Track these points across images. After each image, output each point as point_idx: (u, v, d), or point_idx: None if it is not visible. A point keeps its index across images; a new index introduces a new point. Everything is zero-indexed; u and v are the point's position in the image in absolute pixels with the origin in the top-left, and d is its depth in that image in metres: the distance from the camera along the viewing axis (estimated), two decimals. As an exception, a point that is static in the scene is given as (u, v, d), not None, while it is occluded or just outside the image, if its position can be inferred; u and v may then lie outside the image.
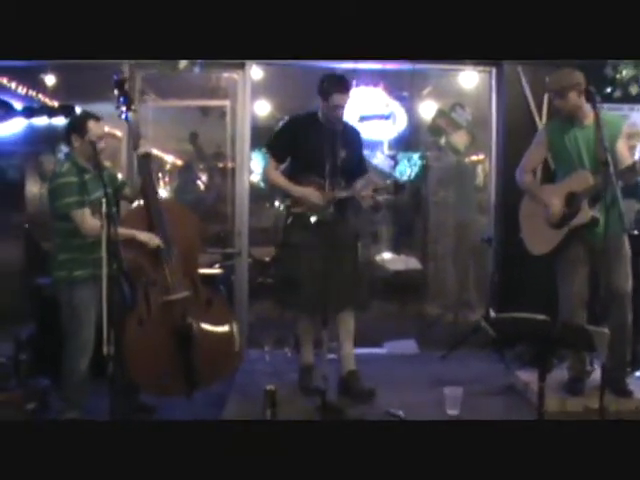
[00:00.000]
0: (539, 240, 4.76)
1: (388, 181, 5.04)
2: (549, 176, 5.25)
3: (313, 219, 4.70)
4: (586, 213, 4.48)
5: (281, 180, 4.97)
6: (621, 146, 4.58)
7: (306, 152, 4.79)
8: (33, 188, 6.89)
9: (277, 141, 5.08)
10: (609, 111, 5.66)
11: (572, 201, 4.55)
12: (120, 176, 4.96)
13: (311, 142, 4.78)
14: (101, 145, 4.29)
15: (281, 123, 5.28)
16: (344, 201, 4.84)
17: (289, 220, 4.96)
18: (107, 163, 4.58)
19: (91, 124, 4.28)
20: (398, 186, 4.81)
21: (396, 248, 7.84)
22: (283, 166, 5.05)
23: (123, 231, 4.13)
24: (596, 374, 4.65)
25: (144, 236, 4.31)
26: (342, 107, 4.80)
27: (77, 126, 4.35)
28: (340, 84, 4.76)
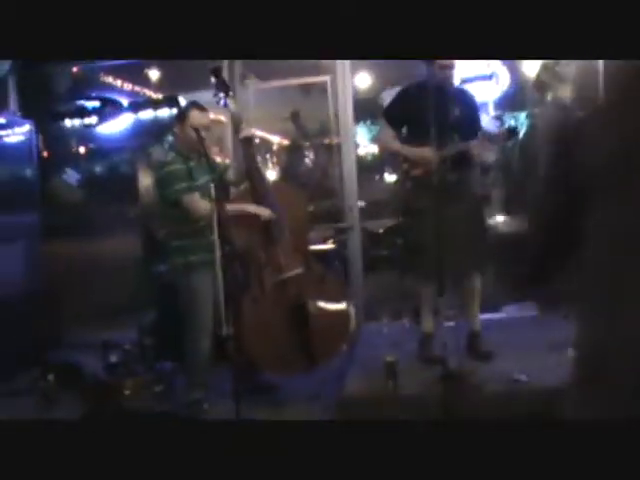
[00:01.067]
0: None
1: (500, 129, 4.96)
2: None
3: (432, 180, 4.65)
4: None
5: (395, 145, 4.95)
6: None
7: (418, 117, 4.74)
8: (145, 180, 7.08)
9: (392, 109, 5.05)
10: None
11: None
12: (227, 161, 5.04)
13: (423, 107, 4.72)
14: (203, 133, 4.37)
15: (395, 91, 5.25)
16: (461, 160, 4.78)
17: (408, 185, 4.93)
18: (214, 149, 4.65)
19: (194, 113, 4.38)
20: (511, 131, 4.72)
21: (507, 210, 7.68)
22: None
23: (235, 206, 4.24)
24: None
25: (257, 209, 4.38)
26: (448, 67, 4.75)
27: (179, 115, 4.46)
28: None
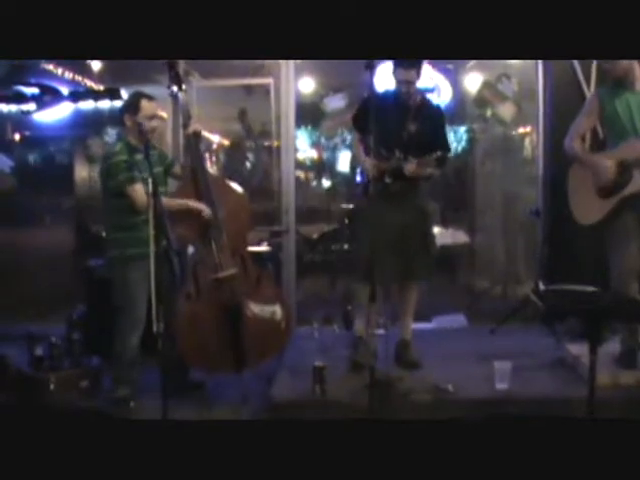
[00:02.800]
0: (588, 209, 4.68)
1: (433, 155, 5.01)
2: (598, 145, 5.17)
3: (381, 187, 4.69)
4: (638, 182, 4.40)
5: (357, 150, 5.03)
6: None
7: (378, 126, 4.80)
8: (82, 172, 6.98)
9: (358, 113, 5.07)
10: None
11: (623, 170, 4.47)
12: (169, 155, 5.01)
13: (383, 116, 4.78)
14: (152, 124, 4.39)
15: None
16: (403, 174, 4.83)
17: (361, 190, 4.97)
18: (155, 141, 4.63)
19: (143, 103, 4.37)
20: (440, 159, 4.77)
21: (444, 222, 7.80)
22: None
23: (176, 201, 4.26)
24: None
25: (197, 205, 4.36)
26: (407, 82, 4.78)
27: (129, 106, 4.43)
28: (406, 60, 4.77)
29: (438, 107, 5.29)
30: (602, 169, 4.55)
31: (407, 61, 4.74)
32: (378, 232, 4.66)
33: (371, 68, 4.65)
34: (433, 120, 5.01)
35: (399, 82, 4.81)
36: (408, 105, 4.79)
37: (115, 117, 4.99)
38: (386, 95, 5.04)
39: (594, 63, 5.88)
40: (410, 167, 4.77)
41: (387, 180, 4.70)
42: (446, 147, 5.03)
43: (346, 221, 5.23)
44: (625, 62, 4.41)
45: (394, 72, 4.81)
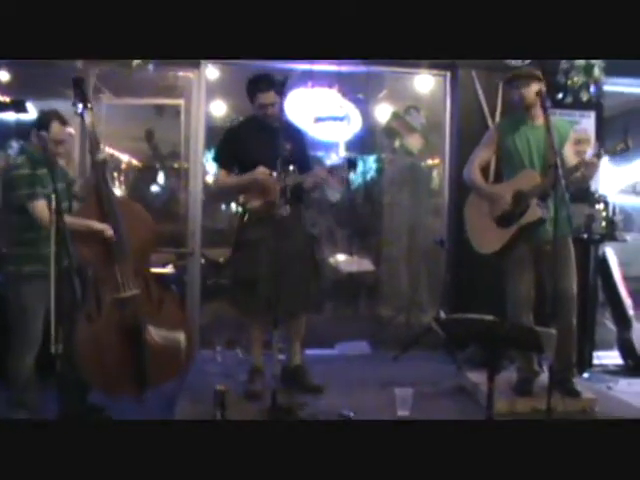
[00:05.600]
0: (486, 239, 4.78)
1: (340, 161, 5.09)
2: (497, 176, 5.33)
3: (268, 215, 4.66)
4: (535, 211, 4.52)
5: (232, 179, 5.03)
6: (568, 150, 4.66)
7: (251, 153, 4.84)
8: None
9: (221, 150, 5.12)
10: (560, 116, 5.79)
11: (520, 199, 4.60)
12: (70, 173, 4.90)
13: (253, 142, 4.83)
14: (59, 149, 4.30)
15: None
16: (298, 195, 4.85)
17: (244, 218, 4.97)
18: (61, 161, 4.51)
19: (55, 125, 4.25)
20: (351, 162, 4.83)
21: (349, 250, 7.86)
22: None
23: (78, 221, 4.15)
24: (544, 375, 4.69)
25: (99, 226, 4.27)
26: (270, 105, 4.83)
27: (40, 123, 4.30)
28: (262, 83, 4.83)
29: (300, 128, 5.43)
30: (500, 199, 4.68)
31: (269, 84, 4.79)
32: (260, 262, 4.69)
33: (281, 94, 4.72)
34: (299, 141, 5.06)
35: (261, 106, 4.85)
36: (274, 127, 4.71)
37: (20, 130, 4.86)
38: (248, 123, 5.11)
39: (499, 96, 6.07)
40: (321, 173, 4.83)
41: (285, 206, 4.54)
42: (309, 167, 5.06)
43: (227, 253, 5.14)
44: (534, 91, 4.55)
45: (255, 97, 4.87)
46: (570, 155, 4.65)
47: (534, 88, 4.59)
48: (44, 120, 4.30)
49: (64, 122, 4.32)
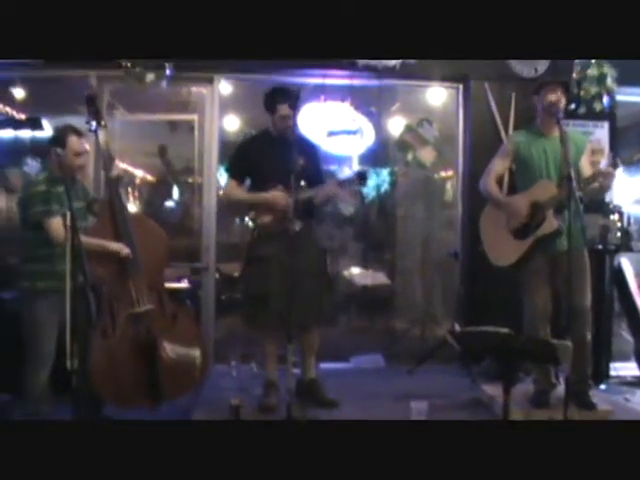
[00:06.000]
0: (503, 251, 4.77)
1: (351, 174, 5.09)
2: (510, 188, 5.32)
3: (280, 230, 4.67)
4: (551, 222, 4.51)
5: (243, 194, 5.05)
6: (585, 163, 4.66)
7: (263, 166, 4.86)
8: (-1, 202, 6.80)
9: (234, 162, 5.14)
10: (573, 127, 5.78)
11: (536, 211, 4.58)
12: (91, 192, 4.93)
13: (266, 156, 4.85)
14: (78, 162, 4.34)
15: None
16: (309, 210, 4.86)
17: (255, 233, 4.98)
18: (80, 175, 4.54)
19: (71, 139, 4.29)
20: (361, 175, 4.82)
21: (364, 263, 7.85)
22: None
23: (93, 240, 4.16)
24: (561, 387, 4.67)
25: (114, 246, 4.29)
26: (289, 117, 4.82)
27: (57, 139, 4.34)
28: (283, 95, 4.83)
29: (313, 142, 5.44)
30: (516, 210, 4.67)
31: (289, 96, 4.79)
32: (273, 277, 4.69)
33: (294, 107, 4.74)
34: (313, 155, 5.07)
35: (281, 118, 4.85)
36: (289, 140, 4.67)
37: (36, 147, 4.89)
38: (262, 136, 5.12)
39: (512, 108, 6.07)
40: (332, 187, 4.84)
41: (296, 221, 4.58)
42: (322, 181, 5.05)
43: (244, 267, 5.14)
44: (560, 96, 4.56)
45: (275, 109, 4.86)
46: (586, 166, 4.65)
47: (560, 92, 4.60)
48: (61, 136, 4.34)
49: (80, 134, 4.36)
